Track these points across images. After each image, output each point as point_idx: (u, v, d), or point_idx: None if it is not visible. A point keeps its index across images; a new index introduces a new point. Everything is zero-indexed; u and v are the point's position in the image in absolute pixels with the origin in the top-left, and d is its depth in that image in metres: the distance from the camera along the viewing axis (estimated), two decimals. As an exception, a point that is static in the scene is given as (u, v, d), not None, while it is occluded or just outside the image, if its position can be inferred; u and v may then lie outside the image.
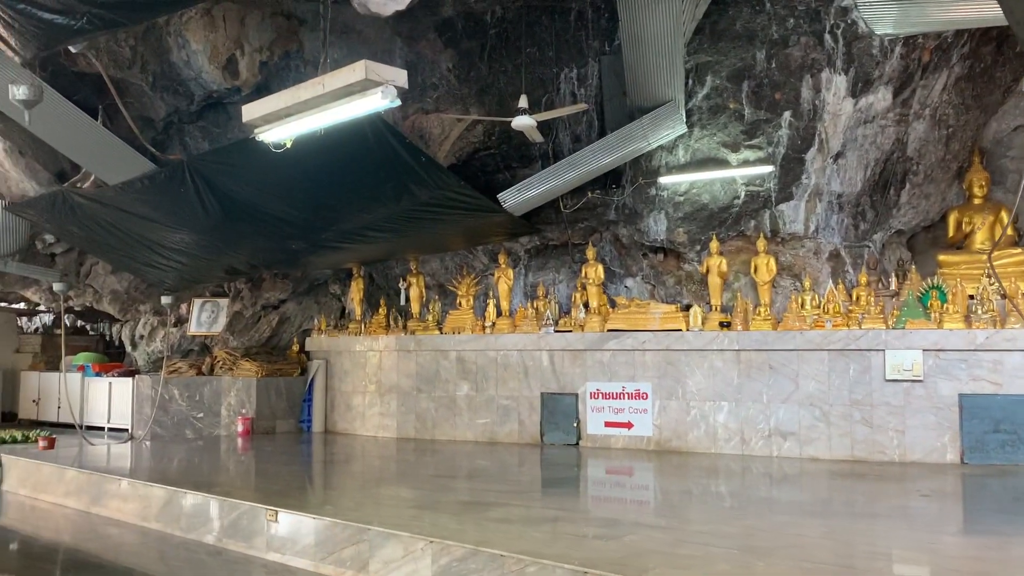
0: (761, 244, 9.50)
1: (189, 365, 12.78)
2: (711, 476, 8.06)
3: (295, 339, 13.20)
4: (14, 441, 12.52)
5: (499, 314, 10.98)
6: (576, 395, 10.18)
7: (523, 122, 7.53)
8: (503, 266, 10.99)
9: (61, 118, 7.57)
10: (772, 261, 9.46)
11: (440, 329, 11.33)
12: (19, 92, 5.91)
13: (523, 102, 7.59)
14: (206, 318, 13.98)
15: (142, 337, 14.67)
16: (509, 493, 7.22)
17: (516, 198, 9.49)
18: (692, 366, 9.52)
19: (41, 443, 11.14)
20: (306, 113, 5.42)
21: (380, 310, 12.03)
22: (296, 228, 9.38)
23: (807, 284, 9.37)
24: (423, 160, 8.23)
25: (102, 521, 7.91)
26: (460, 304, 11.31)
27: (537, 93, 9.09)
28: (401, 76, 5.35)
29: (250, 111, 5.61)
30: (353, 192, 8.72)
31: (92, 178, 8.70)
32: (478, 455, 9.68)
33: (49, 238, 10.42)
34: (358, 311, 12.33)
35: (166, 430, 12.28)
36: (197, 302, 13.77)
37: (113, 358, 15.92)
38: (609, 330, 10.04)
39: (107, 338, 18.03)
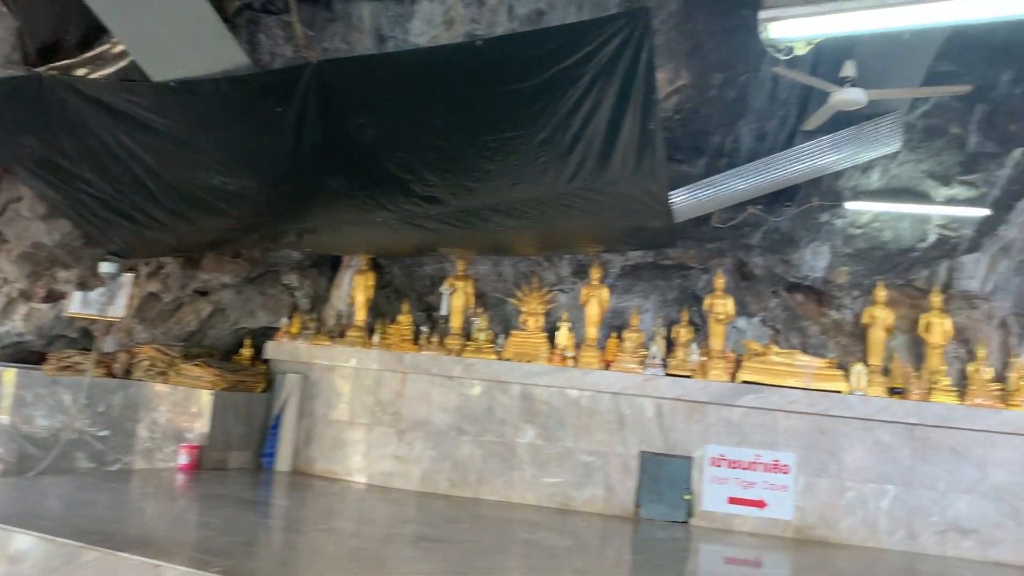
0: (936, 299, 8.00)
1: (97, 362, 8.93)
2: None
3: (246, 341, 9.76)
4: None
5: (577, 345, 8.55)
6: (690, 459, 8.01)
7: (849, 97, 5.34)
8: (595, 283, 8.55)
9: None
10: (949, 322, 7.98)
11: (497, 354, 8.64)
12: None
13: (849, 69, 5.41)
14: (97, 296, 10.08)
15: (-14, 311, 10.31)
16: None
17: (685, 201, 7.25)
18: (852, 438, 7.72)
19: None
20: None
21: (400, 318, 9.03)
22: (399, 197, 6.36)
23: (981, 352, 7.98)
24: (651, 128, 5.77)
25: None
26: (526, 324, 8.71)
27: (736, 69, 6.94)
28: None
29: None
30: (522, 157, 6.00)
31: (119, 66, 5.24)
32: (555, 527, 7.20)
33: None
34: (360, 315, 9.23)
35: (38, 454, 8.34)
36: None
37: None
38: (744, 381, 8.02)
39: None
